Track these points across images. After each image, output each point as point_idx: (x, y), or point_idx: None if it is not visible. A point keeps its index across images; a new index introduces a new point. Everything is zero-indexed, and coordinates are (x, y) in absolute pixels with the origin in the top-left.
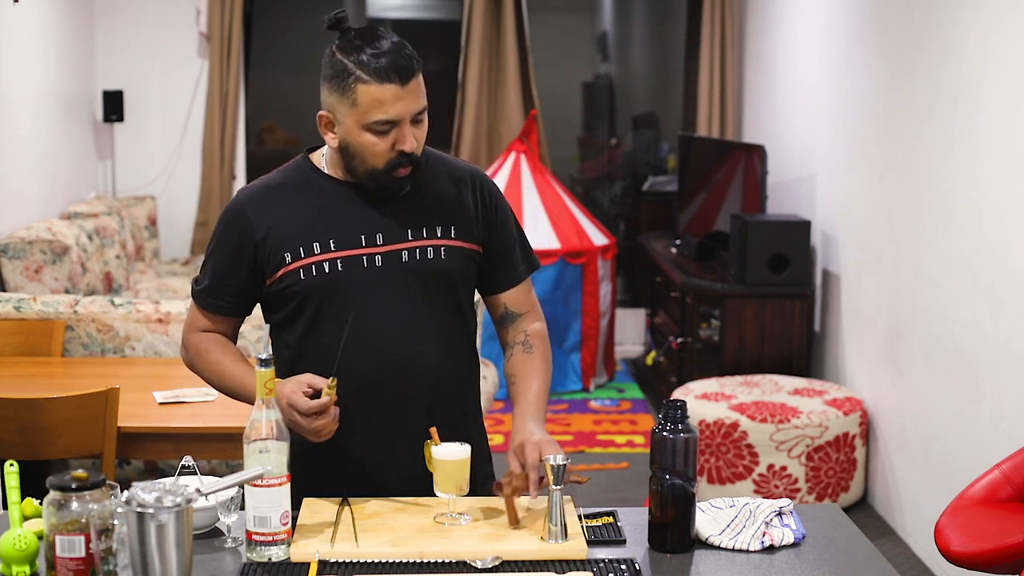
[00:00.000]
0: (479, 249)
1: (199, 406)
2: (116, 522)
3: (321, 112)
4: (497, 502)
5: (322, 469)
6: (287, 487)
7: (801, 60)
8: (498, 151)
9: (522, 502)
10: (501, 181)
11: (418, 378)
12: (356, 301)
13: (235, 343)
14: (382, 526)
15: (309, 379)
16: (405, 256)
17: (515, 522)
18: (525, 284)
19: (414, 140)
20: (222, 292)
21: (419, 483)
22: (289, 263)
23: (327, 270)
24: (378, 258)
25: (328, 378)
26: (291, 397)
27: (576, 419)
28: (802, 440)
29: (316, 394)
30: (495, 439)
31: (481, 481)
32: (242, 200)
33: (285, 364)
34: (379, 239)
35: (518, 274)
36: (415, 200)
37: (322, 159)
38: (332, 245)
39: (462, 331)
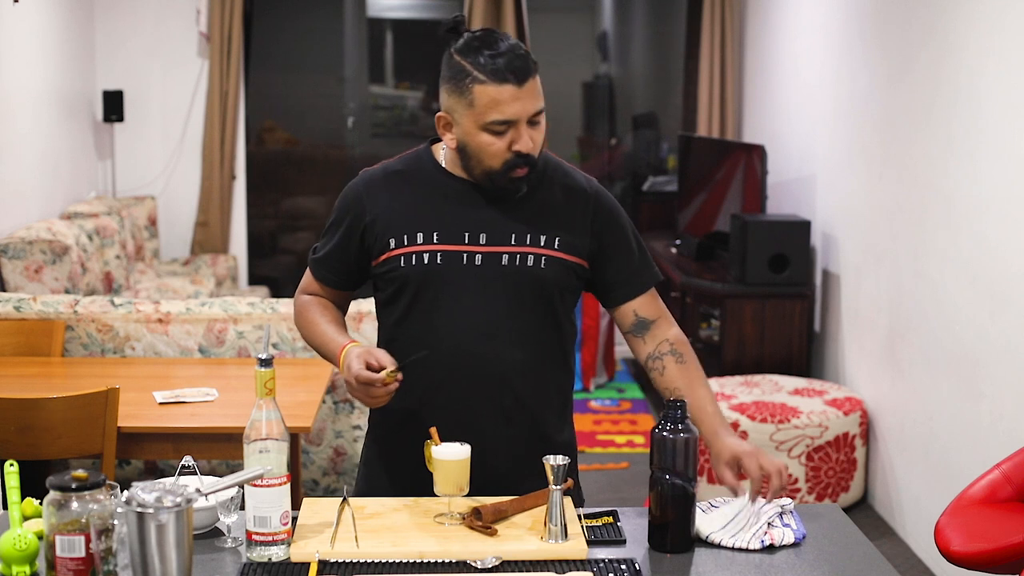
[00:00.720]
0: (584, 263)
1: (199, 406)
2: (116, 522)
3: (440, 113)
4: (498, 502)
5: (398, 463)
6: (287, 487)
7: (801, 60)
8: None
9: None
10: None
11: (498, 379)
12: (449, 296)
13: (344, 312)
14: (382, 526)
15: (379, 355)
16: (505, 260)
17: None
18: (652, 292)
19: (530, 141)
20: (331, 265)
21: (494, 482)
22: (392, 248)
23: (426, 261)
24: (478, 257)
25: (399, 362)
26: (352, 363)
27: (576, 419)
28: (802, 440)
29: (378, 369)
30: None
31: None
32: (360, 183)
33: (382, 345)
34: (482, 239)
35: (643, 283)
36: (525, 206)
37: (441, 152)
38: (435, 238)
39: (553, 339)
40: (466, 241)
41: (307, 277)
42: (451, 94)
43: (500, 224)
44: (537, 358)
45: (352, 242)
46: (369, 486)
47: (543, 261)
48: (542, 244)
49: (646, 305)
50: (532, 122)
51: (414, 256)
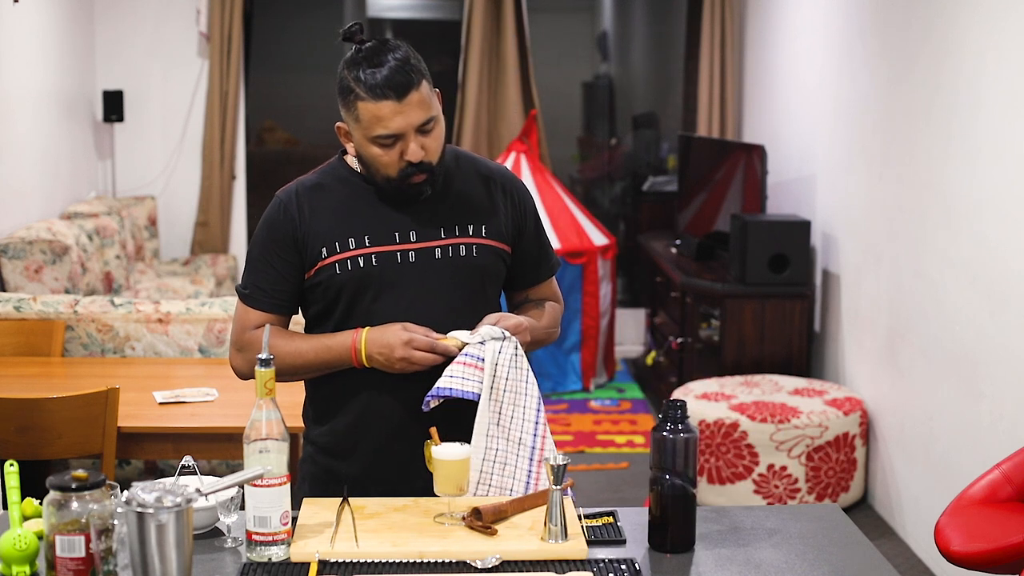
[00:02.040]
0: (508, 249)
1: (199, 406)
2: (116, 522)
3: (338, 124)
4: (497, 502)
5: (347, 467)
6: (287, 487)
7: (801, 60)
8: (498, 151)
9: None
10: None
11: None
12: (388, 296)
13: None
14: (382, 526)
15: (414, 327)
16: (438, 253)
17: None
18: (550, 280)
19: (420, 150)
20: (278, 292)
21: None
22: (325, 258)
23: (362, 265)
24: (411, 254)
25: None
26: (402, 333)
27: (576, 419)
28: (802, 440)
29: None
30: None
31: None
32: (282, 198)
33: None
34: (413, 236)
35: (547, 270)
36: (447, 199)
37: (354, 160)
38: (367, 241)
39: None
40: (397, 240)
41: (249, 316)
42: (342, 108)
43: (427, 220)
44: None
45: (293, 262)
46: (317, 493)
47: (475, 250)
48: (471, 233)
49: (541, 291)
50: (423, 130)
51: (348, 262)
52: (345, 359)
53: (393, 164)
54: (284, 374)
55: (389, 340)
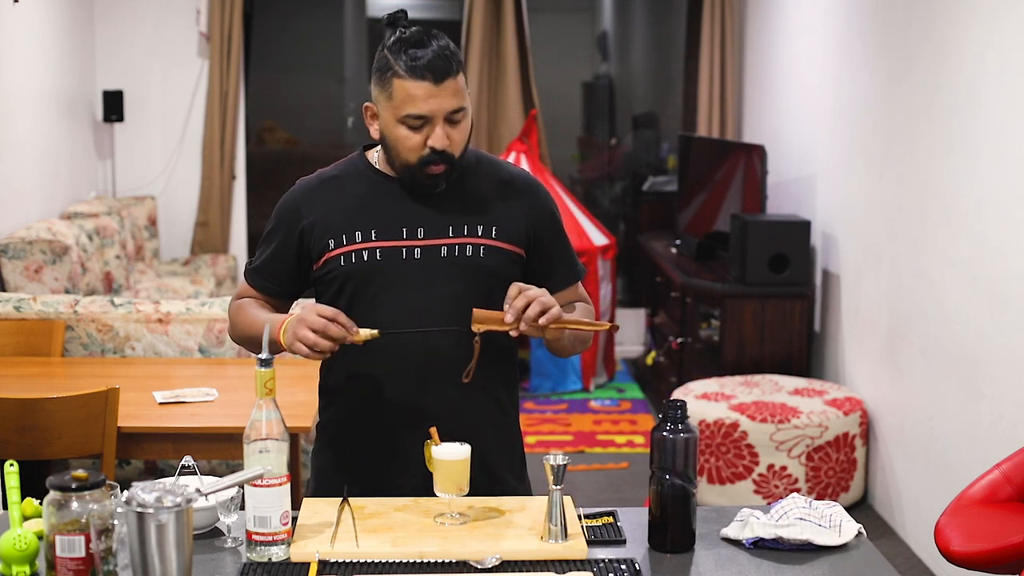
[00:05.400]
0: (522, 252)
1: (199, 406)
2: (116, 522)
3: (367, 103)
4: (498, 502)
5: (345, 454)
6: (287, 487)
7: (801, 60)
8: (498, 151)
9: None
10: None
11: (443, 371)
12: (391, 291)
13: None
14: (382, 526)
15: (340, 316)
16: (444, 251)
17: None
18: (576, 286)
19: (446, 139)
20: (268, 273)
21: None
22: (332, 249)
23: (366, 258)
24: (417, 251)
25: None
26: (311, 307)
27: (576, 419)
28: (802, 440)
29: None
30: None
31: (514, 485)
32: (296, 189)
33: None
34: (420, 233)
35: (575, 273)
36: (460, 199)
37: (375, 155)
38: (373, 235)
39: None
40: (404, 236)
41: (242, 288)
42: (375, 86)
43: (437, 217)
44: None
45: (289, 248)
46: (324, 490)
47: (482, 250)
48: (480, 234)
49: (569, 296)
50: (451, 121)
51: (353, 254)
52: (275, 335)
53: (415, 149)
54: (249, 344)
55: (301, 316)
